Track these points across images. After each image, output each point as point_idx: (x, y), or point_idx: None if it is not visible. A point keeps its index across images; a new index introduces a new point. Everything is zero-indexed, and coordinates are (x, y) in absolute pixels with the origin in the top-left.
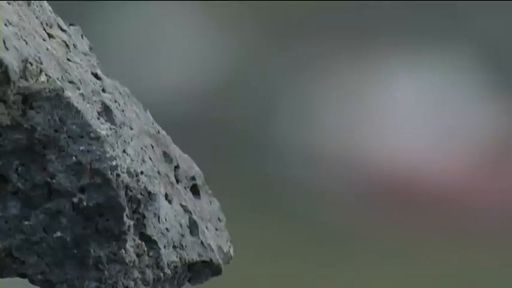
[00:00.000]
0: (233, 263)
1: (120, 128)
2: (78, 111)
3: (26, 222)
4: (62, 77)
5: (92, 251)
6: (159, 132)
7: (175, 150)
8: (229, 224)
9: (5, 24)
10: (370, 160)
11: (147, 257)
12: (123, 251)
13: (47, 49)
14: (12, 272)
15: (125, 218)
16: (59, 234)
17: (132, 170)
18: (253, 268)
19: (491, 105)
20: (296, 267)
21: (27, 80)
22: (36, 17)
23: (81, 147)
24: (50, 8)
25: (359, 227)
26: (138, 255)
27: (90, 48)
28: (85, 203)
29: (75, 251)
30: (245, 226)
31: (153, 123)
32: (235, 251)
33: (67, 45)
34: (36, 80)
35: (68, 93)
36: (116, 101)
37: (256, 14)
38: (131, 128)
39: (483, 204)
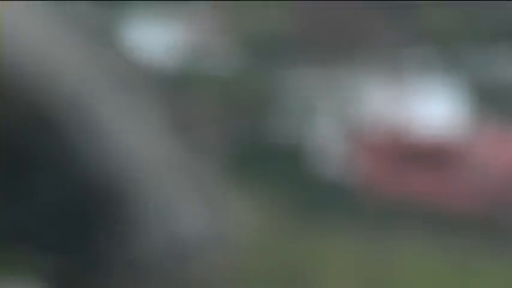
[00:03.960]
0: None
1: (134, 120)
2: (94, 108)
3: (50, 197)
4: (81, 77)
5: (108, 222)
6: (166, 119)
7: (181, 136)
8: (235, 187)
9: (28, 34)
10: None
11: (158, 232)
12: (135, 223)
13: (69, 53)
14: (33, 241)
15: (137, 198)
16: (79, 206)
17: (143, 158)
18: (262, 228)
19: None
20: (303, 223)
21: (51, 84)
22: (58, 23)
23: (98, 140)
24: (73, 11)
25: (364, 182)
26: (149, 230)
27: (108, 45)
28: (102, 184)
29: (95, 221)
30: (249, 186)
31: (160, 110)
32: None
33: (87, 46)
34: (59, 84)
35: (87, 91)
36: (129, 95)
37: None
38: (143, 120)
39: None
